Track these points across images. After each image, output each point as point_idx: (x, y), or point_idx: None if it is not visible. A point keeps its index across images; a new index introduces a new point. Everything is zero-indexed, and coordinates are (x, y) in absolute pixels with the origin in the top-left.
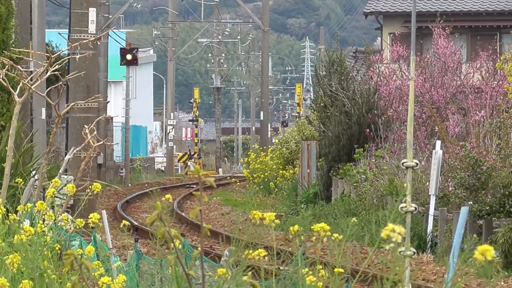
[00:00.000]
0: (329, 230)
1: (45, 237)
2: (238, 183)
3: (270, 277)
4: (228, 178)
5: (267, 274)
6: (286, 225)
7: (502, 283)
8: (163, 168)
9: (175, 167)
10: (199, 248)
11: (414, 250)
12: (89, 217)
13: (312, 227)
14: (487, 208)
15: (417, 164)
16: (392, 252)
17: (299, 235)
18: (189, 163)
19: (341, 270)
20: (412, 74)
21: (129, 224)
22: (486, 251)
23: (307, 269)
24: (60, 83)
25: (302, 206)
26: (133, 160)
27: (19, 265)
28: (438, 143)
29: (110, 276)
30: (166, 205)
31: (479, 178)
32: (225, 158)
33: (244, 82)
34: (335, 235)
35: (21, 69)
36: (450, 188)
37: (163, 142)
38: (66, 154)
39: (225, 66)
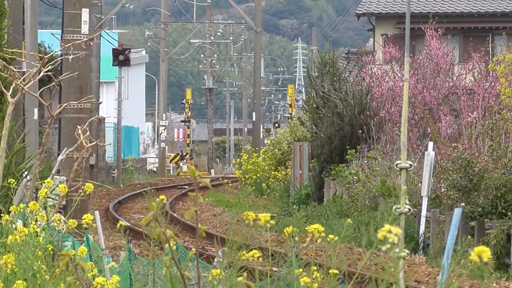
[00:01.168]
0: (323, 231)
1: (38, 237)
2: (230, 184)
3: (264, 278)
4: (220, 179)
5: (261, 275)
6: (279, 226)
7: (495, 284)
8: (155, 169)
9: (167, 168)
10: (193, 249)
11: (408, 252)
12: (82, 218)
13: (306, 228)
14: (479, 209)
15: (410, 165)
16: (387, 253)
17: (293, 236)
18: (181, 164)
19: (336, 271)
20: (406, 76)
21: (125, 224)
22: (483, 252)
23: (301, 270)
24: (53, 83)
25: (294, 207)
26: (125, 161)
27: (12, 266)
28: (431, 144)
29: (103, 276)
30: (160, 206)
31: (471, 179)
32: (217, 159)
33: (236, 83)
34: (330, 236)
35: (14, 70)
36: (442, 190)
37: (155, 143)
38: (58, 154)
39: (217, 67)
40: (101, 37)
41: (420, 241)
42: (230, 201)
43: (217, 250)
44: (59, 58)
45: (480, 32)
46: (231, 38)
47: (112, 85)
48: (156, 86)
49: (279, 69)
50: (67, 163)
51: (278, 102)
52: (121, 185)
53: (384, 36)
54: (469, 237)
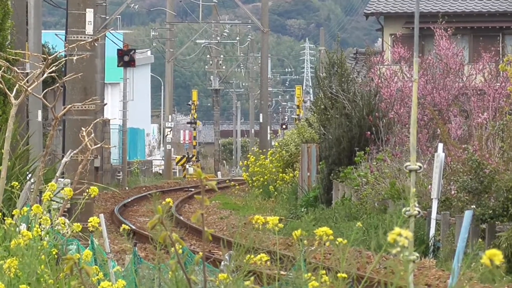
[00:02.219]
0: (332, 234)
1: (42, 241)
2: (237, 187)
3: (272, 282)
4: (227, 181)
5: (269, 279)
6: (286, 229)
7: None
8: (160, 171)
9: (173, 170)
10: (200, 253)
11: (418, 255)
12: (88, 221)
13: (314, 231)
14: (490, 212)
15: (420, 167)
16: (397, 257)
17: (301, 239)
18: (187, 166)
19: (345, 275)
20: (416, 76)
21: (128, 228)
22: (494, 256)
23: (309, 274)
24: (57, 85)
25: (302, 210)
26: (130, 163)
27: (16, 270)
28: (440, 146)
29: (109, 281)
30: (166, 209)
31: (482, 181)
32: (224, 161)
33: (243, 84)
34: (339, 239)
35: (18, 71)
36: (453, 192)
37: (161, 145)
38: (62, 157)
39: (223, 67)
40: (106, 37)
41: (430, 244)
42: (237, 203)
43: (224, 253)
44: (63, 59)
45: (490, 32)
46: (237, 38)
47: (117, 86)
48: (162, 87)
49: (286, 69)
50: (71, 166)
51: (285, 103)
52: (127, 188)
53: (392, 36)
54: (479, 240)
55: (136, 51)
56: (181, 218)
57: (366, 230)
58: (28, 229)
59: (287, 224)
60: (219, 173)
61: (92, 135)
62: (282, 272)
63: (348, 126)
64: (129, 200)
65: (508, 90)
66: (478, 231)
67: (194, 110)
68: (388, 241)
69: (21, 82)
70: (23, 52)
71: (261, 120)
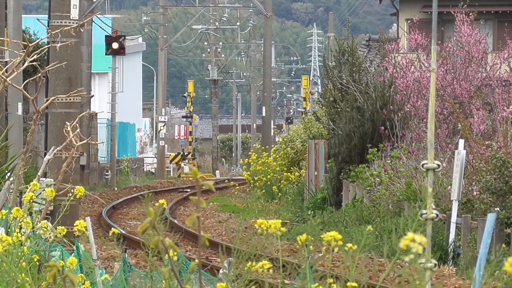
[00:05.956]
0: (340, 239)
1: (22, 247)
2: (237, 187)
3: None
4: (226, 181)
5: None
6: (291, 234)
7: None
8: (153, 170)
9: (166, 169)
10: (196, 260)
11: (435, 262)
12: (74, 224)
13: (322, 236)
14: None
15: (438, 165)
16: (411, 264)
17: (307, 245)
18: (182, 165)
19: (355, 284)
20: (434, 65)
21: (118, 232)
22: None
23: (316, 284)
24: (39, 75)
25: (309, 213)
26: (119, 161)
27: None
28: (461, 142)
29: None
30: (159, 211)
31: (507, 181)
32: (223, 159)
33: (244, 74)
34: (349, 245)
35: None
36: (475, 193)
37: (153, 141)
38: (45, 154)
39: (222, 56)
40: (93, 22)
41: (449, 250)
42: (237, 206)
43: (223, 260)
44: (46, 46)
45: None
46: (238, 23)
47: (105, 77)
48: (154, 77)
49: (292, 58)
50: (54, 164)
51: (290, 95)
52: (116, 188)
53: (409, 21)
54: (503, 245)
55: (126, 37)
56: (176, 221)
57: (380, 235)
58: (7, 233)
59: (292, 228)
60: (217, 172)
61: (78, 130)
62: (286, 281)
63: (359, 121)
64: (119, 201)
65: None
66: (502, 236)
67: (190, 103)
68: (401, 248)
69: None
70: (2, 38)
71: (263, 114)
